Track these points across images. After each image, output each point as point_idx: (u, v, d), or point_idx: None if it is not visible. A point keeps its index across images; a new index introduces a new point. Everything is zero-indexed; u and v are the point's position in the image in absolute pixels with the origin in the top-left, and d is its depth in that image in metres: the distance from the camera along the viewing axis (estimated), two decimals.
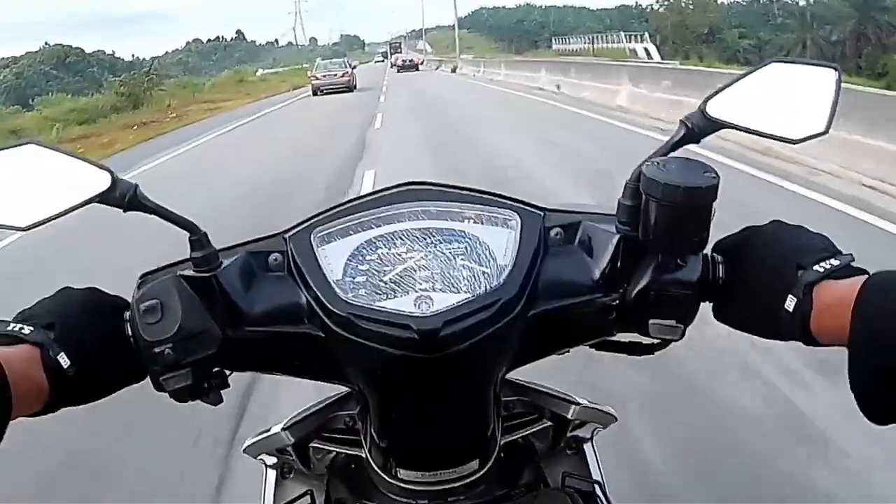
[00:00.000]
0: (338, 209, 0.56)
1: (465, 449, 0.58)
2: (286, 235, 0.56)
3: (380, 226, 0.55)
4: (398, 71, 38.46)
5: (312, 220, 0.56)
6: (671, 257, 0.50)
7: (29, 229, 0.48)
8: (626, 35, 38.95)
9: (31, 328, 0.46)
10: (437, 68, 32.09)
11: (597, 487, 0.66)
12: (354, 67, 27.10)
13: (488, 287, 0.51)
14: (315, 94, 22.68)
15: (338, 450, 0.66)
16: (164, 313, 0.50)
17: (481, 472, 0.58)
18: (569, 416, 0.65)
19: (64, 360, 0.46)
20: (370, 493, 0.61)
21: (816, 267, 0.45)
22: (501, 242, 0.54)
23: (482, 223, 0.55)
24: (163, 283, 0.51)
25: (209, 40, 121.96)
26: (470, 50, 57.42)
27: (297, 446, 0.65)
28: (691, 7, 49.70)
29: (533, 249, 0.53)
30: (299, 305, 0.53)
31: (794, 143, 0.50)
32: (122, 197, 0.49)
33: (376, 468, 0.59)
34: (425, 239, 0.54)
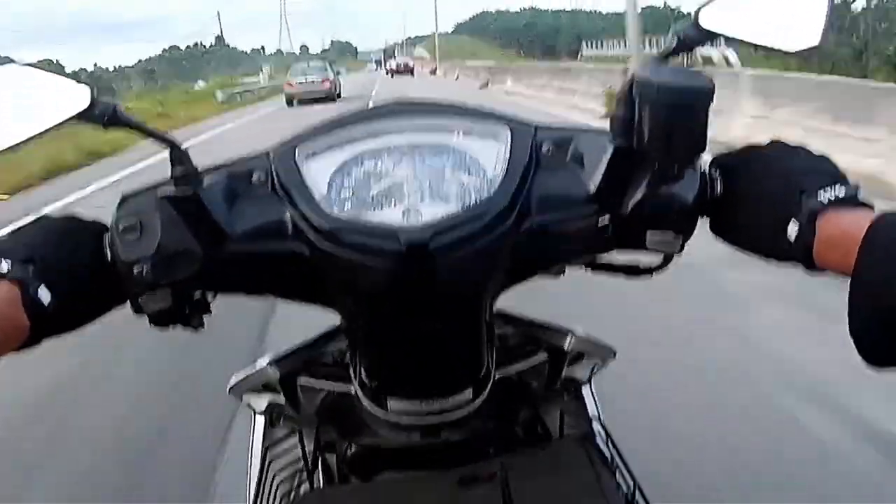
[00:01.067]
0: (321, 126, 0.58)
1: (458, 377, 0.59)
2: (270, 153, 0.57)
3: (366, 140, 0.56)
4: (392, 76, 39.75)
5: (297, 138, 0.57)
6: (667, 166, 0.52)
7: (6, 151, 0.50)
8: None
9: (9, 264, 0.48)
10: (456, 78, 28.42)
11: (595, 425, 0.68)
12: (338, 73, 25.05)
13: (478, 199, 0.53)
14: (290, 104, 20.61)
15: (327, 387, 0.67)
16: (143, 231, 0.52)
17: (475, 404, 0.60)
18: (565, 348, 0.67)
19: (44, 295, 0.48)
20: (360, 432, 0.63)
21: (821, 194, 0.47)
22: (491, 156, 0.55)
23: (471, 137, 0.57)
24: (143, 202, 0.54)
25: (188, 47, 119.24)
26: (475, 57, 53.43)
27: (285, 383, 0.66)
28: None
29: (524, 163, 0.55)
30: (283, 223, 0.54)
31: (789, 54, 0.54)
32: (102, 115, 0.51)
33: (366, 402, 0.61)
34: (413, 153, 0.56)
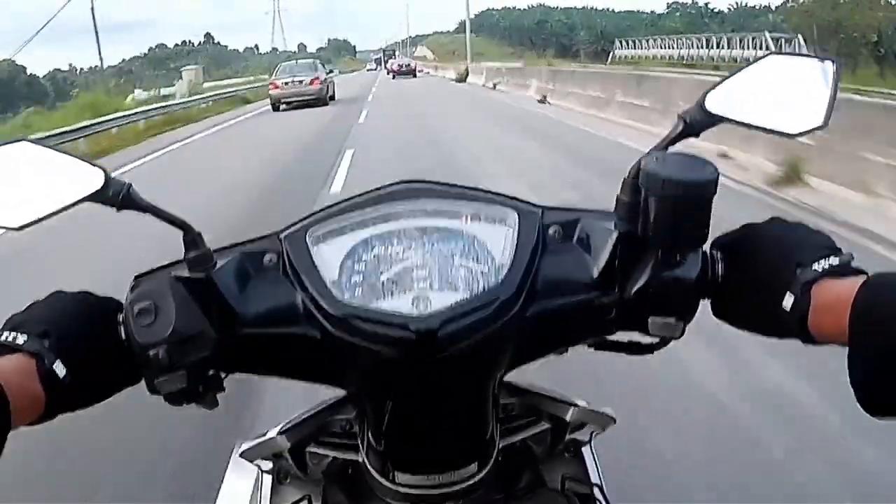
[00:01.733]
0: (333, 208, 0.61)
1: (463, 452, 0.63)
2: (281, 235, 0.61)
3: (375, 225, 0.59)
4: (393, 77, 39.04)
5: (307, 220, 0.61)
6: (671, 253, 0.55)
7: (21, 229, 0.53)
8: (746, 39, 29.10)
9: (26, 337, 0.50)
10: (494, 87, 21.89)
11: (596, 490, 0.71)
12: (331, 73, 23.48)
13: (486, 286, 0.56)
14: (275, 107, 19.17)
15: (335, 455, 0.71)
16: (157, 315, 0.54)
17: (480, 476, 0.63)
18: (567, 419, 0.70)
19: (60, 369, 0.50)
20: (367, 499, 0.66)
21: (815, 265, 0.50)
22: (499, 240, 0.59)
23: (480, 221, 0.60)
24: (156, 284, 0.56)
25: (176, 45, 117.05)
26: (481, 56, 50.94)
27: (294, 451, 0.70)
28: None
29: (531, 247, 0.58)
30: (295, 306, 0.57)
31: (792, 137, 0.57)
32: (116, 195, 0.54)
33: (374, 473, 0.64)
34: (422, 238, 0.59)
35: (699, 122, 0.58)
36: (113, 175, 0.55)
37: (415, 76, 40.40)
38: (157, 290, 0.56)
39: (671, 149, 0.58)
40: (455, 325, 0.53)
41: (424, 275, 0.57)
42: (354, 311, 0.54)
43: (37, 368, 0.50)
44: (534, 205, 0.62)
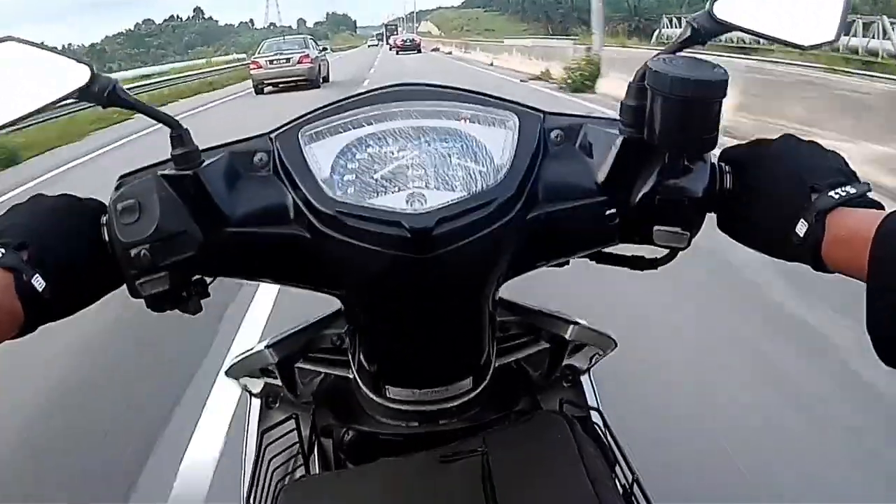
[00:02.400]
0: (326, 108, 0.62)
1: (458, 366, 0.64)
2: (272, 135, 0.62)
3: (371, 124, 0.60)
4: (397, 53, 39.14)
5: (300, 120, 0.61)
6: (678, 159, 0.56)
7: (5, 127, 0.54)
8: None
9: (3, 251, 0.51)
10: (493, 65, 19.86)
11: (594, 414, 0.73)
12: (325, 51, 21.26)
13: (484, 186, 0.56)
14: (258, 91, 17.44)
15: (325, 371, 0.72)
16: (141, 213, 0.54)
17: (474, 393, 0.65)
18: (567, 337, 0.72)
19: (38, 283, 0.51)
20: (358, 418, 0.67)
21: (831, 192, 0.50)
22: (499, 142, 0.59)
23: (478, 123, 0.61)
24: (141, 183, 0.57)
25: (165, 20, 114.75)
26: (491, 33, 49.43)
27: (282, 367, 0.71)
28: None
29: (532, 150, 0.59)
30: (285, 206, 0.58)
31: (804, 50, 0.58)
32: (102, 92, 0.54)
33: (364, 388, 0.66)
34: (418, 137, 0.60)
35: (707, 29, 0.58)
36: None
37: (419, 52, 40.79)
38: (142, 189, 0.56)
39: None
40: (451, 224, 0.53)
41: (420, 174, 0.58)
42: (346, 208, 0.55)
43: (14, 283, 0.50)
44: (536, 109, 0.63)
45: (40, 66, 0.55)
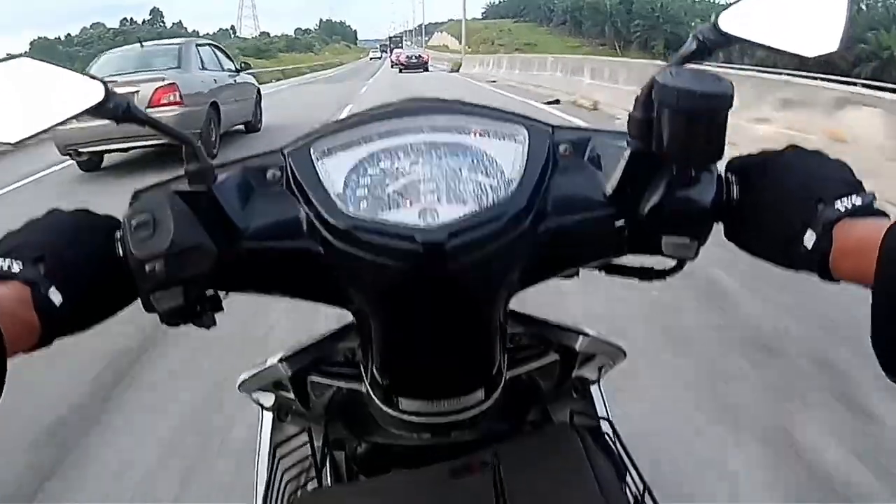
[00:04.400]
0: (339, 123, 0.71)
1: (469, 377, 0.72)
2: (285, 151, 0.70)
3: (382, 139, 0.68)
4: (400, 71, 38.59)
5: (312, 135, 0.70)
6: (685, 171, 0.64)
7: (18, 143, 0.60)
8: None
9: (21, 264, 0.58)
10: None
11: (604, 424, 0.81)
12: (244, 69, 12.02)
13: (496, 200, 0.64)
14: (74, 157, 9.30)
15: (338, 384, 0.80)
16: (156, 228, 0.61)
17: (486, 405, 0.73)
18: (577, 348, 0.80)
19: (55, 296, 0.58)
20: (370, 430, 0.76)
21: (838, 203, 0.57)
22: (509, 156, 0.67)
23: (489, 137, 0.69)
24: (155, 198, 0.64)
25: (124, 21, 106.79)
26: (533, 49, 42.28)
27: (295, 381, 0.79)
28: None
29: (541, 163, 0.67)
30: (298, 220, 0.66)
31: (808, 59, 0.66)
32: (117, 108, 0.62)
33: (377, 400, 0.74)
34: (430, 152, 0.68)
35: (713, 41, 0.65)
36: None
37: (427, 70, 39.91)
38: (157, 204, 0.62)
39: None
40: (463, 237, 0.60)
41: (432, 188, 0.65)
42: (358, 223, 0.62)
43: (31, 296, 0.57)
44: (545, 123, 0.72)
45: (55, 84, 0.62)
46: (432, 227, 0.60)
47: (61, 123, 0.60)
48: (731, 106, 0.58)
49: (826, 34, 0.63)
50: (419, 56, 43.51)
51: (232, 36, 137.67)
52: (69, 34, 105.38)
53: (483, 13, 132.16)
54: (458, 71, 36.74)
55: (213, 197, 0.64)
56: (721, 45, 0.65)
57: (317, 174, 0.65)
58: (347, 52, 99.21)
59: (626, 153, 0.65)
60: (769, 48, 0.64)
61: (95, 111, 0.60)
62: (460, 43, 65.07)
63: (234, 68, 11.44)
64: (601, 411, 0.84)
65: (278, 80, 39.88)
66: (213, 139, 9.61)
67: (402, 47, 66.24)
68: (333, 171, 0.65)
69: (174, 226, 0.60)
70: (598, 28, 74.52)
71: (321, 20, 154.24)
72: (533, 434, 0.76)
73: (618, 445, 0.78)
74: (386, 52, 78.67)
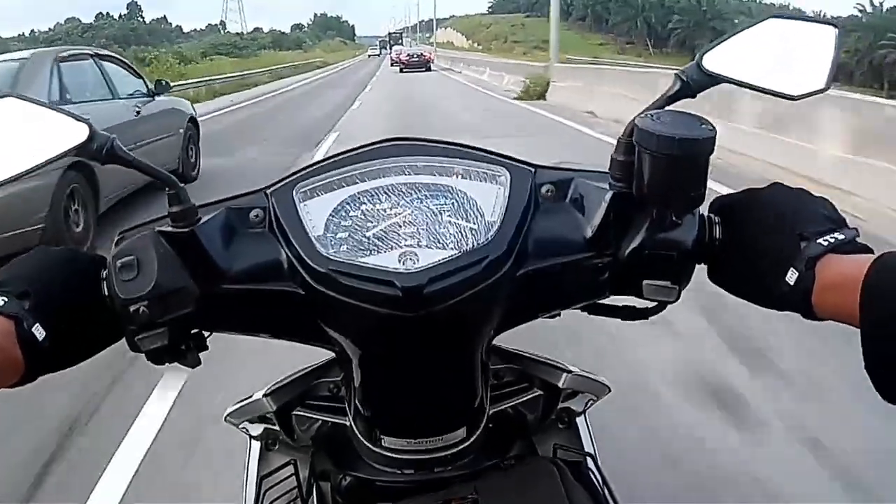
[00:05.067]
0: (320, 164, 0.74)
1: (452, 416, 0.75)
2: (268, 191, 0.73)
3: (364, 181, 0.72)
4: (400, 70, 38.65)
5: (294, 176, 0.73)
6: (666, 215, 0.66)
7: (3, 184, 0.62)
8: None
9: (5, 299, 0.60)
10: None
11: (588, 460, 0.84)
12: (160, 91, 7.87)
13: (476, 244, 0.66)
14: None
15: (322, 418, 0.84)
16: (140, 270, 0.63)
17: (469, 442, 0.76)
18: (560, 385, 0.83)
19: (39, 332, 0.60)
20: (354, 464, 0.79)
21: (820, 239, 0.59)
22: (490, 198, 0.69)
23: (470, 179, 0.71)
24: (139, 239, 0.67)
25: (99, 16, 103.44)
26: (546, 50, 39.93)
27: (280, 415, 0.83)
28: None
29: (522, 206, 0.69)
30: (280, 262, 0.69)
31: (794, 100, 0.67)
32: (100, 149, 0.63)
33: (360, 436, 0.77)
34: (411, 194, 0.70)
35: (697, 81, 0.67)
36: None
37: (429, 69, 39.62)
38: (140, 246, 0.65)
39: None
40: (442, 282, 0.62)
41: (412, 231, 0.68)
42: (339, 266, 0.64)
43: (15, 332, 0.59)
44: (527, 163, 0.74)
45: (39, 123, 0.63)
46: (411, 271, 0.63)
47: (45, 163, 0.61)
48: (712, 151, 0.60)
49: (812, 73, 0.66)
50: (420, 54, 43.60)
51: (222, 32, 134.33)
52: (33, 30, 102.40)
53: (489, 9, 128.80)
54: (544, 97, 17.08)
55: (196, 238, 0.67)
56: (706, 85, 0.67)
57: (298, 216, 0.68)
58: (342, 50, 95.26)
59: (608, 196, 0.68)
60: (755, 88, 0.66)
61: (79, 151, 0.62)
62: (467, 39, 62.81)
63: (145, 91, 7.54)
64: (587, 444, 0.89)
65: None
66: (80, 228, 5.30)
67: (402, 44, 66.60)
68: (315, 213, 0.68)
69: (157, 268, 0.63)
70: (627, 24, 70.43)
71: (315, 15, 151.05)
72: (513, 469, 0.79)
73: (599, 481, 0.81)
74: (385, 48, 78.84)
